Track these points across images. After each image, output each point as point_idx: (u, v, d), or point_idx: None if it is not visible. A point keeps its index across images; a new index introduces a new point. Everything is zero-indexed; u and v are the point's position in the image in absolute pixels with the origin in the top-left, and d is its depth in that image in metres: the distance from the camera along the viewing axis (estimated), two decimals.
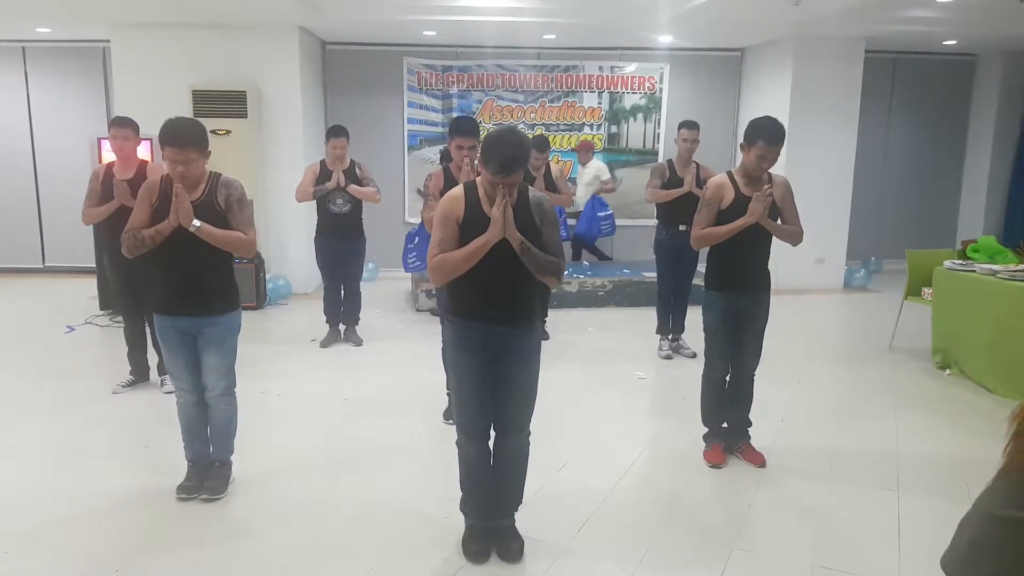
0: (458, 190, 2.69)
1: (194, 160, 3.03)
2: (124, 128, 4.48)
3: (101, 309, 6.75)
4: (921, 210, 9.55)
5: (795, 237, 3.62)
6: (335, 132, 5.54)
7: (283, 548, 2.89)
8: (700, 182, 5.26)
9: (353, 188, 5.52)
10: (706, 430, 3.82)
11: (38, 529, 3.02)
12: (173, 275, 3.14)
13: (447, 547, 2.89)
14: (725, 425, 3.80)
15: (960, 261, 5.44)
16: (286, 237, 7.50)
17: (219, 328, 3.19)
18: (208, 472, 3.33)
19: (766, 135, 3.40)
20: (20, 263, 8.72)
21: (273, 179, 7.44)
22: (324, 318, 5.91)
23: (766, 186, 3.45)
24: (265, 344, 5.83)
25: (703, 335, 3.74)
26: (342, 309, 5.91)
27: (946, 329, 5.32)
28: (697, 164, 5.41)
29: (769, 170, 3.53)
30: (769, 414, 4.32)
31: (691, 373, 3.75)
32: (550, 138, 8.74)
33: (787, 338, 6.38)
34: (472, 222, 2.60)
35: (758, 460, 3.69)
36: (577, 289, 7.27)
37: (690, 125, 5.44)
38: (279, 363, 5.41)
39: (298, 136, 7.53)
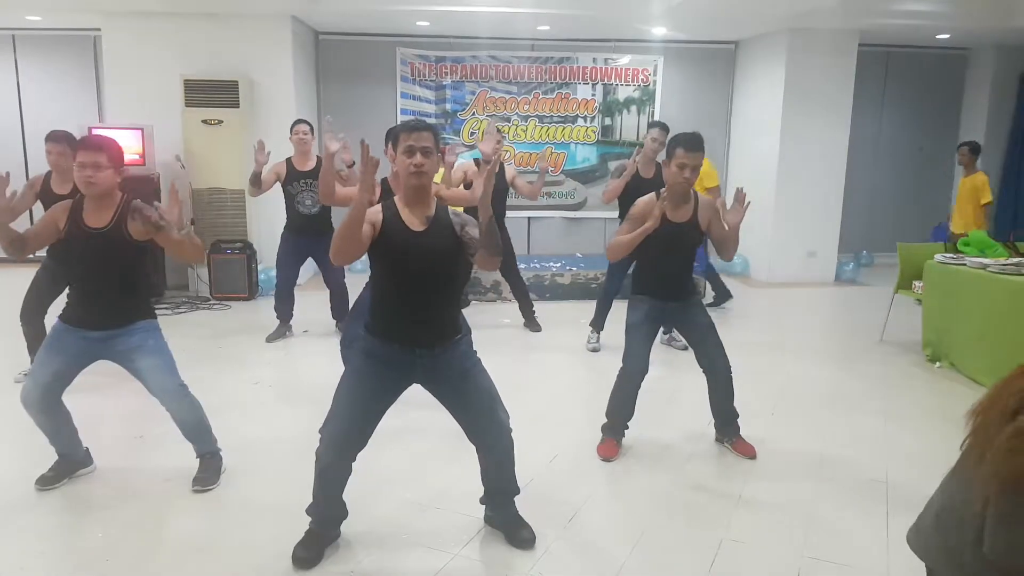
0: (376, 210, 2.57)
1: (104, 168, 2.96)
2: (59, 143, 4.39)
3: None
4: (913, 204, 9.59)
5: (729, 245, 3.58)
6: (297, 121, 5.60)
7: (275, 537, 2.88)
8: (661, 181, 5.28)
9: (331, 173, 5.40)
10: (606, 421, 3.79)
11: (32, 522, 3.02)
12: (81, 291, 3.08)
13: (439, 537, 2.90)
14: (628, 426, 3.79)
15: (951, 255, 5.47)
16: (277, 228, 7.40)
17: (138, 334, 3.10)
18: (200, 464, 3.32)
19: (684, 142, 3.44)
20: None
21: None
22: (276, 313, 5.84)
23: (662, 193, 3.46)
24: (256, 335, 5.83)
25: (624, 334, 3.71)
26: (294, 305, 5.84)
27: (936, 322, 5.35)
28: (660, 164, 5.41)
29: (697, 190, 3.54)
30: (759, 406, 4.35)
31: (685, 367, 3.76)
32: (544, 130, 8.77)
33: (778, 331, 6.42)
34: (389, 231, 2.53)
35: (749, 452, 3.71)
36: (570, 281, 7.28)
37: (661, 126, 5.45)
38: (270, 353, 5.40)
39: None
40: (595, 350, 5.62)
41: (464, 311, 2.94)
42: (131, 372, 3.16)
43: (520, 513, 2.92)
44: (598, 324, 5.71)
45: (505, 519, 2.89)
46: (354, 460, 2.70)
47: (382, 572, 2.70)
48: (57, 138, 4.43)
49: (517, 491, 2.93)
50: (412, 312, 2.54)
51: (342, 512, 2.84)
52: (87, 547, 2.84)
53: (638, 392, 3.72)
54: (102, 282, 3.04)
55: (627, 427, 3.79)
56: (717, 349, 3.69)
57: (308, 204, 5.56)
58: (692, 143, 3.44)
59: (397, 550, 2.84)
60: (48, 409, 3.15)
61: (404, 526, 3.00)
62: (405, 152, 2.53)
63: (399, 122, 8.51)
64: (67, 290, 3.16)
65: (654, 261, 3.57)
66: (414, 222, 2.55)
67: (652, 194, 3.55)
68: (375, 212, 2.54)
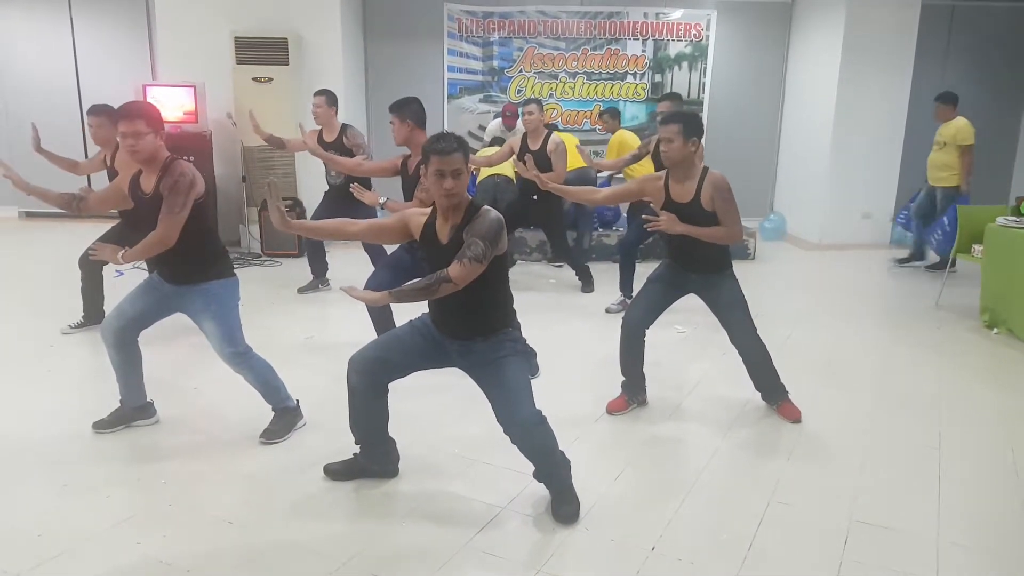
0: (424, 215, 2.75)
1: (144, 134, 2.97)
2: (99, 116, 4.47)
3: None
4: (975, 165, 9.22)
5: (722, 239, 3.41)
6: (315, 93, 5.56)
7: (332, 487, 3.00)
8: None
9: (320, 152, 5.16)
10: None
11: (97, 466, 3.17)
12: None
13: (493, 494, 2.96)
14: (644, 376, 3.77)
15: (1013, 218, 5.28)
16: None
17: (204, 296, 3.18)
18: (273, 417, 3.42)
19: (663, 118, 3.42)
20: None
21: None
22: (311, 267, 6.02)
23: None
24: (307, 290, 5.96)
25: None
26: (325, 258, 6.00)
27: (996, 287, 5.19)
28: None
29: (700, 163, 3.42)
30: (809, 370, 4.30)
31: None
32: (592, 87, 8.63)
33: (829, 294, 6.31)
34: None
35: (794, 416, 3.67)
36: (617, 241, 7.22)
37: (670, 98, 5.72)
38: (320, 309, 5.53)
39: (338, 83, 7.49)
40: (608, 310, 5.53)
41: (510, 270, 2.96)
42: (199, 326, 3.27)
43: (572, 484, 2.85)
44: (623, 286, 5.59)
45: (554, 488, 2.84)
46: (376, 389, 2.88)
47: (426, 506, 2.78)
48: (96, 111, 4.51)
49: (557, 483, 2.82)
50: (443, 309, 2.72)
51: (382, 445, 3.01)
52: (150, 493, 2.96)
53: (640, 345, 3.68)
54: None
55: (643, 379, 3.77)
56: (743, 329, 3.59)
57: (333, 175, 5.64)
58: (665, 117, 3.43)
59: (443, 506, 2.91)
60: (122, 345, 3.31)
61: (451, 481, 3.07)
62: (436, 175, 2.55)
63: (446, 80, 8.54)
64: None
65: (667, 236, 3.50)
66: (444, 234, 2.67)
67: (663, 174, 3.51)
68: (417, 222, 2.75)
